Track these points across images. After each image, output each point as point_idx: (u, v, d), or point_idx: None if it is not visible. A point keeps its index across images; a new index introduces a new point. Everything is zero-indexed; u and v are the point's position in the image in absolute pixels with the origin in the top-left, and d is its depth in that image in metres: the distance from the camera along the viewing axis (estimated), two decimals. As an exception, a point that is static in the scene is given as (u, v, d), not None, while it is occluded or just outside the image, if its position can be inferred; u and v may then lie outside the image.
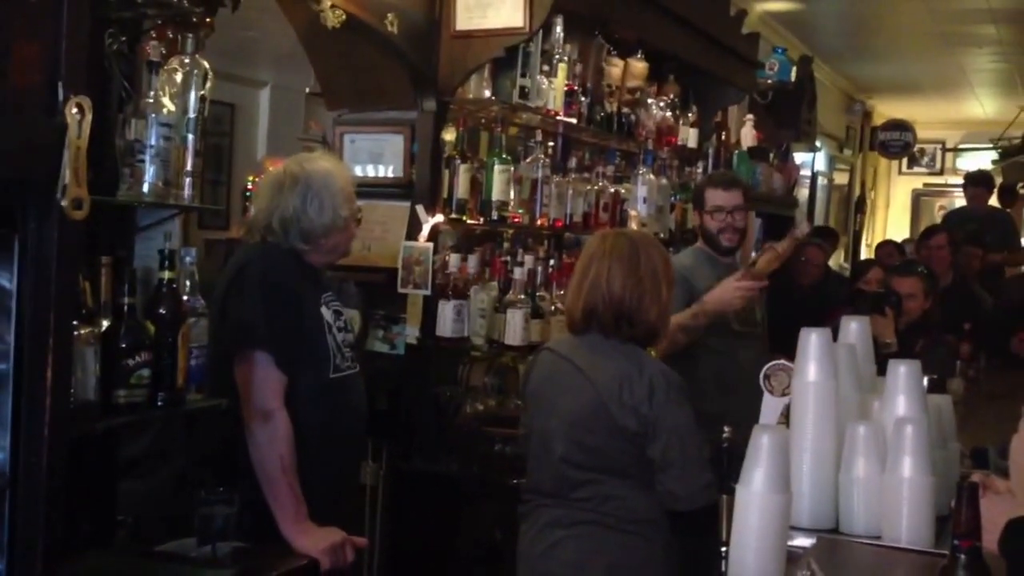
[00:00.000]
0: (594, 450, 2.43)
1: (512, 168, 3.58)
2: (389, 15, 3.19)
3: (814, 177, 8.91)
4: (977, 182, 7.89)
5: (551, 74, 3.69)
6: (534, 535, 2.50)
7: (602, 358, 2.47)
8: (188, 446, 2.67)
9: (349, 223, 2.62)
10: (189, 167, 2.20)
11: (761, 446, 1.82)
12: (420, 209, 3.42)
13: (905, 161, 11.62)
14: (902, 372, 2.21)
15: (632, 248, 2.50)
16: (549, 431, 2.49)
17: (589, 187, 4.12)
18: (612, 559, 2.41)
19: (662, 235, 4.61)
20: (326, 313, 2.58)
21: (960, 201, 9.70)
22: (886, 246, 7.54)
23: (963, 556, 1.50)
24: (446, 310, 3.38)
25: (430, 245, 3.38)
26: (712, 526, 2.41)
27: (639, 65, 4.41)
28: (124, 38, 2.26)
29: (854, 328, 2.45)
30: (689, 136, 4.89)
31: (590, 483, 2.43)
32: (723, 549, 1.98)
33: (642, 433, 2.38)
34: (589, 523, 2.43)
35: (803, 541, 2.01)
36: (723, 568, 1.92)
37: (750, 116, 5.78)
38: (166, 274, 2.14)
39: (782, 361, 2.40)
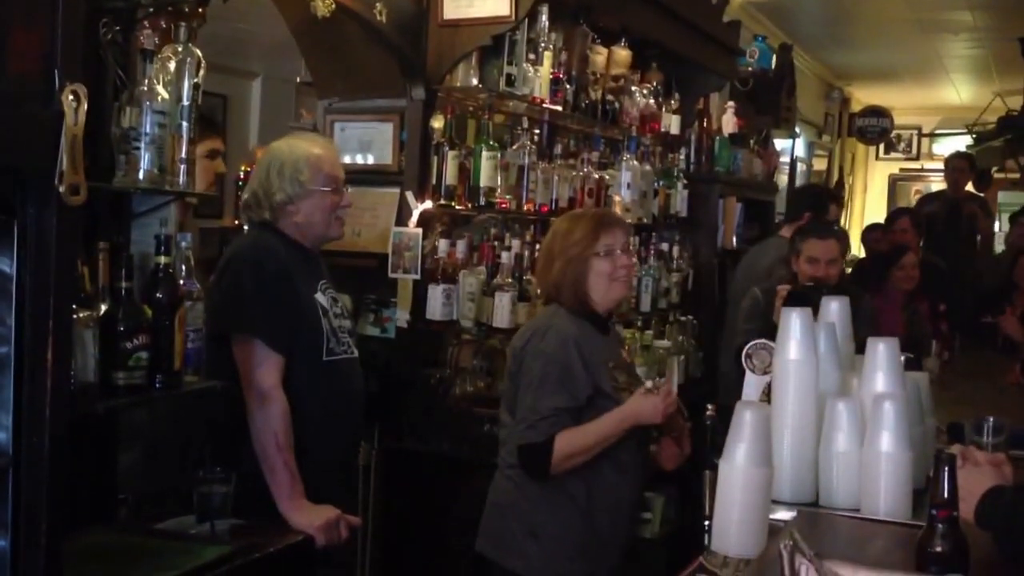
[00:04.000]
0: (504, 394, 2.77)
1: (499, 155, 3.60)
2: (378, 5, 3.20)
3: (793, 163, 8.95)
4: (960, 156, 7.96)
5: (537, 62, 3.71)
6: None
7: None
8: (176, 425, 2.70)
9: (312, 193, 2.58)
10: (183, 154, 2.21)
11: (744, 422, 1.83)
12: (409, 195, 3.45)
13: (882, 147, 11.69)
14: (880, 350, 2.24)
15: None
16: None
17: (574, 173, 4.14)
18: (493, 498, 2.78)
19: (645, 220, 4.67)
20: (321, 299, 2.60)
21: (936, 185, 9.80)
22: (874, 231, 6.89)
23: (940, 526, 1.55)
24: (435, 294, 3.41)
25: (419, 231, 3.42)
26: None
27: (623, 53, 4.43)
28: (118, 27, 2.27)
29: (834, 308, 2.50)
30: (672, 123, 4.90)
31: (503, 428, 2.75)
32: (706, 522, 2.02)
33: (516, 372, 2.68)
34: (494, 466, 2.80)
35: (784, 514, 2.01)
36: (707, 541, 1.97)
37: (731, 103, 5.80)
38: (162, 259, 2.17)
39: (763, 340, 2.45)
